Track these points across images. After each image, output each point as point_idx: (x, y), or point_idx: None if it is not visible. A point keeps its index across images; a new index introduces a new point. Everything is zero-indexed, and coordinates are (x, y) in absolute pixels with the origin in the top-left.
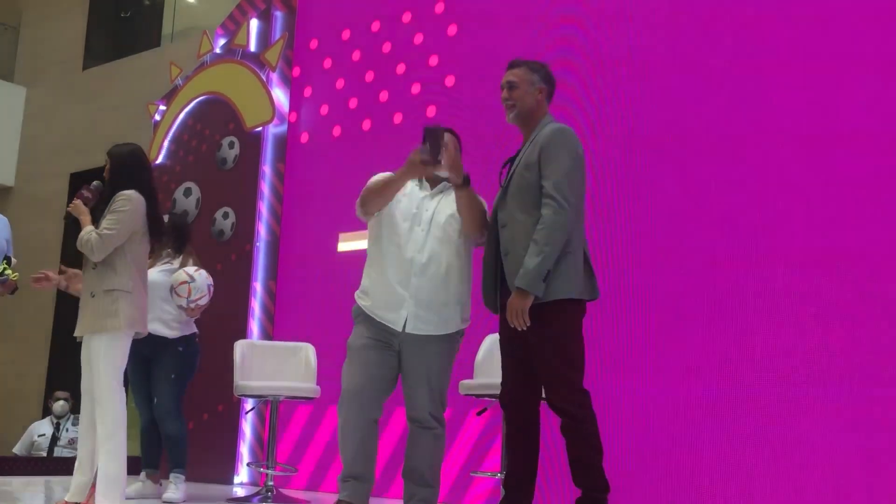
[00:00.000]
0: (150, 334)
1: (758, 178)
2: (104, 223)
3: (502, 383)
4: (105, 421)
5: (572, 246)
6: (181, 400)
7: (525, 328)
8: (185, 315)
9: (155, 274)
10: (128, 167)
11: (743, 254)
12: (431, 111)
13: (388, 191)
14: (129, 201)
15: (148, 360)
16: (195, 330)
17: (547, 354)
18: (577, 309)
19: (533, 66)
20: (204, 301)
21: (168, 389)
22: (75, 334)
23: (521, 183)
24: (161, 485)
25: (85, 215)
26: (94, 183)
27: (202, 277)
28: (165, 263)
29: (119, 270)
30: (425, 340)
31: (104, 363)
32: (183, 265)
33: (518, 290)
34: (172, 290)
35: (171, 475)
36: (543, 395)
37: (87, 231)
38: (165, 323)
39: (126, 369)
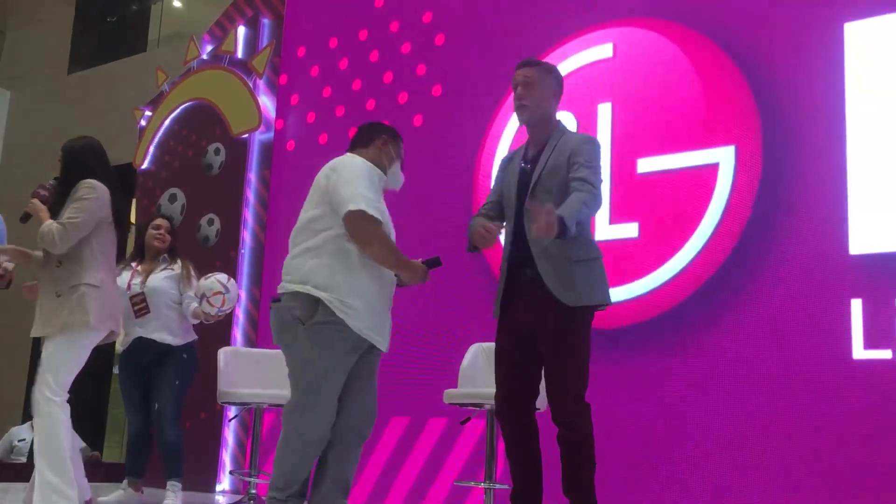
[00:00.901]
0: (153, 342)
1: None
2: (66, 213)
3: (497, 392)
4: (42, 431)
5: (600, 251)
6: (181, 408)
7: (546, 237)
8: (206, 320)
9: (159, 281)
10: (82, 159)
11: None
12: (418, 120)
13: (388, 265)
14: (94, 189)
15: (146, 369)
16: (195, 337)
17: (559, 363)
18: (592, 317)
19: (547, 67)
20: (230, 311)
21: (172, 397)
22: (33, 335)
23: (547, 186)
24: (143, 492)
25: (43, 212)
26: (51, 181)
27: (235, 288)
28: (166, 270)
29: (85, 264)
30: (375, 355)
31: (57, 362)
32: (184, 270)
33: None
34: (204, 297)
35: (169, 484)
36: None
37: (48, 224)
38: (171, 331)
39: (119, 378)
